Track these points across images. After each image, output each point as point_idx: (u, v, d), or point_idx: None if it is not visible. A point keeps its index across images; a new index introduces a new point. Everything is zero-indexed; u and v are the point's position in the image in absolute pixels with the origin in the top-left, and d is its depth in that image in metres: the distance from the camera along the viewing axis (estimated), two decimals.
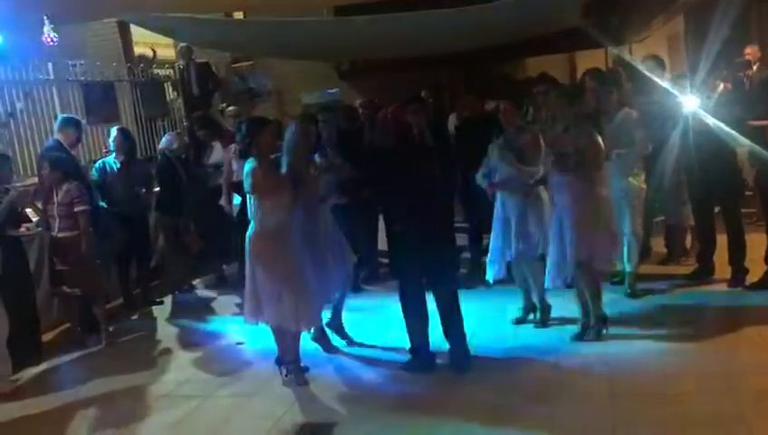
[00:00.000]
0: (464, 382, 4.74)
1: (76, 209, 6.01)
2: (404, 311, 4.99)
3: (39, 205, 6.24)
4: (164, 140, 7.70)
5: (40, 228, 6.20)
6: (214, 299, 7.44)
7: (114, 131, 7.19)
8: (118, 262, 7.09)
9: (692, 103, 5.97)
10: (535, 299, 5.65)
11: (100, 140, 8.50)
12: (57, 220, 6.02)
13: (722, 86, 6.32)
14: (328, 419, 4.40)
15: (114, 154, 7.08)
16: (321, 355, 5.35)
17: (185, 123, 10.24)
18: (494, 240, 5.72)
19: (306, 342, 5.20)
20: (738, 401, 4.06)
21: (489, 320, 5.78)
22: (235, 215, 7.34)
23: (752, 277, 5.94)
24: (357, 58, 10.42)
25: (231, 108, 9.26)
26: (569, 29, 7.68)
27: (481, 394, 4.53)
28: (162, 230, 7.61)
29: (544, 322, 5.60)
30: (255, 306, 4.84)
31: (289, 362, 4.95)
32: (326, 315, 5.42)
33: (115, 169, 6.98)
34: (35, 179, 7.21)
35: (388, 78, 9.68)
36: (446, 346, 4.99)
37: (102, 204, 6.83)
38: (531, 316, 5.71)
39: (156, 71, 10.33)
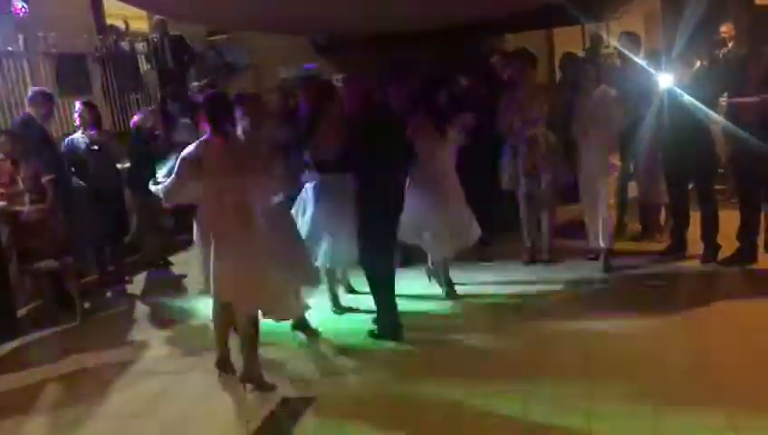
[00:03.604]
0: (440, 358, 4.77)
1: (44, 179, 5.93)
2: (379, 286, 5.10)
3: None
4: (137, 116, 7.57)
5: (4, 204, 6.10)
6: (189, 275, 7.38)
7: (78, 105, 7.05)
8: (93, 238, 6.99)
9: (667, 80, 6.01)
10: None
11: (72, 113, 8.35)
12: (26, 195, 5.92)
13: (698, 63, 6.35)
14: (307, 392, 4.41)
15: (81, 129, 6.95)
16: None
17: (159, 96, 10.11)
18: None
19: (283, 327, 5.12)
20: (713, 374, 4.11)
21: None
22: None
23: (724, 253, 6.03)
24: (332, 32, 10.30)
25: (196, 83, 9.08)
26: (546, 5, 7.66)
27: (457, 370, 4.56)
28: (135, 207, 7.51)
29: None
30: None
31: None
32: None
33: (83, 145, 6.86)
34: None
35: (366, 54, 9.58)
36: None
37: (78, 181, 6.74)
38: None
39: (129, 43, 10.15)
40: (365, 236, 5.06)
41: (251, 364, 4.47)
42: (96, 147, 6.89)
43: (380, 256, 5.09)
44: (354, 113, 5.16)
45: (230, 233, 4.28)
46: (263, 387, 4.47)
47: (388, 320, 5.14)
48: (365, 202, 5.01)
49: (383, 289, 5.13)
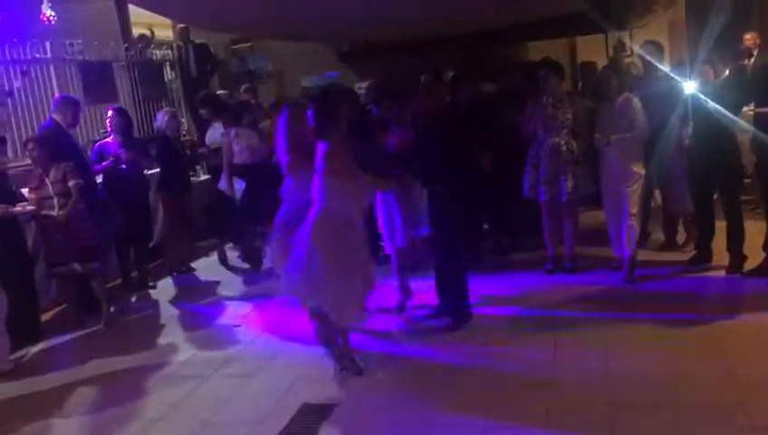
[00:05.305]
0: (462, 364, 4.77)
1: (70, 183, 6.00)
2: (457, 270, 5.40)
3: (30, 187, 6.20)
4: (157, 118, 7.67)
5: (33, 207, 6.17)
6: (212, 281, 7.43)
7: (110, 111, 7.16)
8: (117, 243, 7.07)
9: (692, 89, 5.96)
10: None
11: (97, 120, 8.48)
12: (55, 198, 5.99)
13: (727, 71, 6.30)
14: (328, 399, 4.41)
15: (112, 135, 7.05)
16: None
17: (183, 104, 10.23)
18: None
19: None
20: (737, 387, 4.06)
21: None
22: (239, 198, 7.32)
23: (750, 264, 5.96)
24: (356, 39, 10.37)
25: (245, 85, 9.23)
26: (571, 13, 7.66)
27: (479, 376, 4.56)
28: (164, 209, 7.56)
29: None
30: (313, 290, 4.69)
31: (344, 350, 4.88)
32: None
33: (113, 152, 6.94)
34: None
35: (389, 61, 9.63)
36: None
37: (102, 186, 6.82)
38: None
39: (154, 51, 10.27)
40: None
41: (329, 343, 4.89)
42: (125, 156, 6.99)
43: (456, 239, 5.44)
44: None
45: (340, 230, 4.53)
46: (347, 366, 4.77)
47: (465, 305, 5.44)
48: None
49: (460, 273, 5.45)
